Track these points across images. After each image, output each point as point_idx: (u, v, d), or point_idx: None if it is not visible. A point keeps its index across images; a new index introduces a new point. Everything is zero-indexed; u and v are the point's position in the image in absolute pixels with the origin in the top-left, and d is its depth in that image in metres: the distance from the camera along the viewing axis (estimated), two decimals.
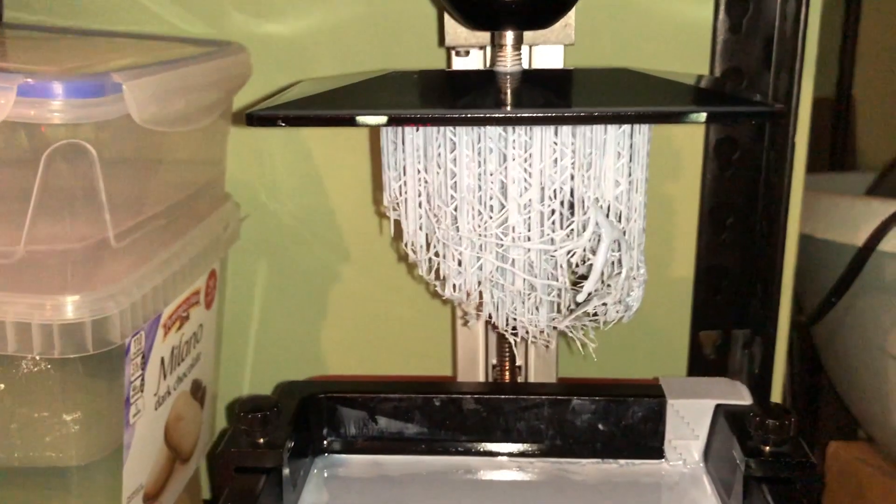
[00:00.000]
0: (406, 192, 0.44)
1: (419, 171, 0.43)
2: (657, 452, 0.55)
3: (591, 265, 0.44)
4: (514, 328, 0.47)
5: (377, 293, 0.70)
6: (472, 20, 0.44)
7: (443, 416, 0.56)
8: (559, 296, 0.46)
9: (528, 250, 0.43)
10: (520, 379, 0.64)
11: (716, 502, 0.52)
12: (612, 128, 0.41)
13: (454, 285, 0.45)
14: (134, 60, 0.52)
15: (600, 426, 0.56)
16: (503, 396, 0.56)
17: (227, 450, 0.49)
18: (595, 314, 0.44)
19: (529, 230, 0.42)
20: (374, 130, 0.64)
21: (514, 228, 0.42)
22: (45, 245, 0.43)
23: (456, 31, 0.49)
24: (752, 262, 0.67)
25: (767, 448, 0.48)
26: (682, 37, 0.62)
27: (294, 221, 0.68)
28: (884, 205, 0.71)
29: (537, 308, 0.46)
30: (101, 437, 0.47)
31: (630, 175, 0.42)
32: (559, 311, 0.46)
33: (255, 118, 0.40)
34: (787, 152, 0.63)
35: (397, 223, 0.47)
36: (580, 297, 0.43)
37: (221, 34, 0.63)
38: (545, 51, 0.50)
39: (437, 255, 0.44)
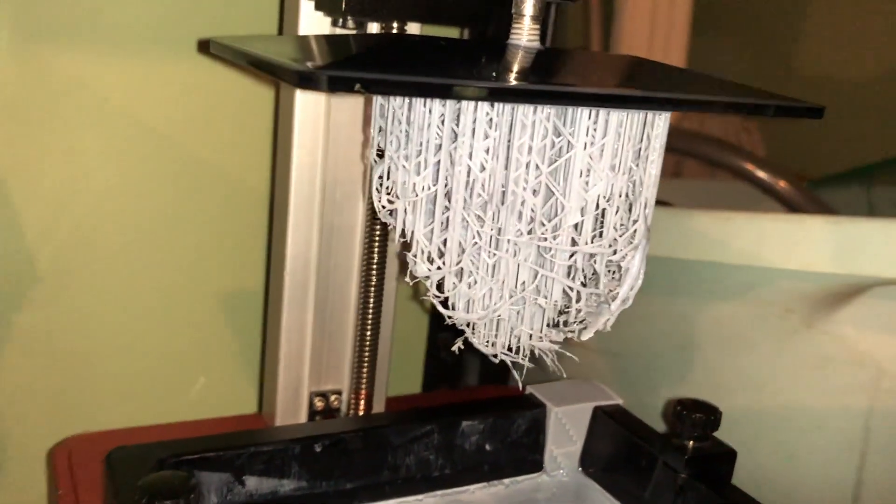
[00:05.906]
0: (436, 185, 0.35)
1: (463, 158, 0.34)
2: (538, 465, 0.52)
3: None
4: (493, 346, 0.40)
5: (69, 323, 0.54)
6: None
7: (325, 463, 0.46)
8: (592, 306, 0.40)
9: (573, 255, 0.37)
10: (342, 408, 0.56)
11: None
12: (664, 117, 0.37)
13: (472, 301, 0.36)
14: None
15: (487, 446, 0.51)
16: (392, 428, 0.47)
17: None
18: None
19: (579, 231, 0.36)
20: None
21: (570, 229, 0.36)
22: None
23: None
24: None
25: (691, 444, 0.48)
26: None
27: None
28: None
29: (541, 322, 0.40)
30: None
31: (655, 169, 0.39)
32: (556, 323, 0.41)
33: (318, 80, 0.27)
34: None
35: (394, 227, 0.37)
36: (614, 306, 0.38)
37: None
38: None
39: (457, 264, 0.35)
